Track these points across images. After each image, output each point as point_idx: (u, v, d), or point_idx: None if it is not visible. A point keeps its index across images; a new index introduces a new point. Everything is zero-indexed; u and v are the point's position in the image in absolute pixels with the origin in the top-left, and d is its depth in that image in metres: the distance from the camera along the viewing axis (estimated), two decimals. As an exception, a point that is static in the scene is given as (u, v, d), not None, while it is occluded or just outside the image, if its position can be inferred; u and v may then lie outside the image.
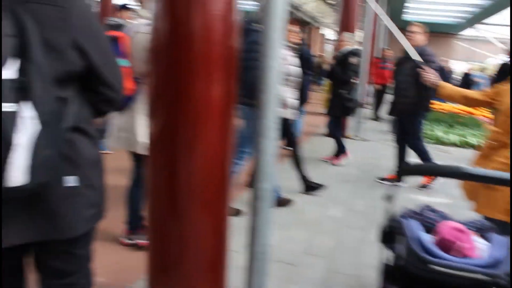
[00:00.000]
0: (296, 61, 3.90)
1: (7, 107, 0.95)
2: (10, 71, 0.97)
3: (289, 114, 3.76)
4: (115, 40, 2.45)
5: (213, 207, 1.77)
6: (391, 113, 4.78)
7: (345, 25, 6.84)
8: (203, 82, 1.61)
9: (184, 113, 1.62)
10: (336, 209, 3.84)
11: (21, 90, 0.97)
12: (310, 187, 4.16)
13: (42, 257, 1.29)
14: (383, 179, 4.78)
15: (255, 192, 1.78)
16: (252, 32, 3.25)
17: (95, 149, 1.27)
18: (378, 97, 9.71)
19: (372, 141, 7.09)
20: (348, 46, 5.15)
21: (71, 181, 1.17)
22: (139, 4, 2.69)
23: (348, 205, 3.99)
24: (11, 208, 1.10)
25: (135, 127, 2.48)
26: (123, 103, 2.43)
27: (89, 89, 1.24)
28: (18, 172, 0.98)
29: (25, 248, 1.24)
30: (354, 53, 5.06)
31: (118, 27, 4.93)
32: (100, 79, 1.23)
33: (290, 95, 3.74)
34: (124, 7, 5.28)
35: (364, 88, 7.54)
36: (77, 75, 1.18)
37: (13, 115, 0.96)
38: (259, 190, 1.77)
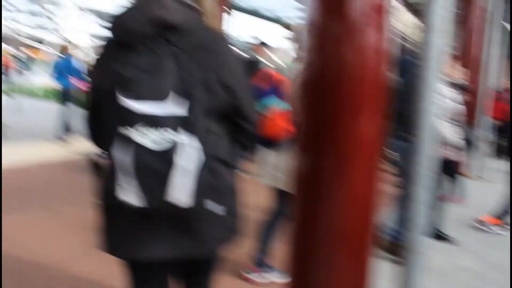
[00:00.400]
0: (459, 97, 3.72)
1: (177, 137, 1.13)
2: (179, 108, 1.15)
3: (452, 154, 3.58)
4: (277, 83, 2.49)
5: (356, 250, 1.70)
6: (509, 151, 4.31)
7: (465, 57, 6.39)
8: (353, 119, 1.57)
9: (331, 151, 1.59)
10: (467, 259, 3.48)
11: (187, 124, 1.14)
12: (438, 236, 3.85)
13: (180, 263, 1.44)
14: (517, 227, 4.26)
15: (405, 242, 1.66)
16: (410, 64, 3.17)
17: (234, 178, 1.39)
18: (500, 133, 8.89)
19: (496, 183, 6.43)
20: (456, 79, 4.80)
21: (213, 206, 1.28)
22: (296, 44, 2.72)
23: (480, 255, 3.60)
24: (163, 225, 1.26)
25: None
26: (282, 144, 2.46)
27: (230, 122, 1.37)
28: (183, 194, 1.15)
29: (170, 262, 1.37)
30: (462, 87, 4.69)
31: (257, 63, 5.17)
32: (241, 113, 1.37)
33: (453, 134, 3.57)
34: (263, 44, 5.55)
35: (484, 124, 6.96)
36: (223, 110, 1.32)
37: (180, 144, 1.13)
38: (410, 241, 1.65)
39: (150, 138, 1.12)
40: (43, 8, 12.15)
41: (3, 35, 23.69)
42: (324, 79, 1.58)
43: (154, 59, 1.18)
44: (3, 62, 15.84)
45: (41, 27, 22.06)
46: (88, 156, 5.45)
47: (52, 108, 11.32)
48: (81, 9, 16.01)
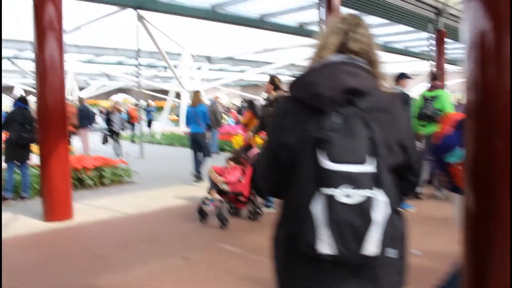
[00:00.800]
0: None
1: (369, 193, 1.22)
2: (370, 166, 1.24)
3: None
4: (458, 122, 2.24)
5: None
6: None
7: None
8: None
9: (504, 187, 1.50)
10: None
11: (376, 180, 1.24)
12: None
13: None
14: None
15: None
16: None
17: (404, 226, 1.47)
18: None
19: None
20: None
21: (391, 252, 1.35)
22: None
23: None
24: (347, 271, 1.33)
25: None
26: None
27: (399, 176, 1.44)
28: (372, 244, 1.23)
29: None
30: None
31: (405, 95, 4.85)
32: (411, 169, 1.47)
33: None
34: (403, 76, 5.24)
35: None
36: (397, 166, 1.40)
37: (372, 199, 1.22)
38: None
39: (348, 195, 1.20)
40: (165, 60, 13.04)
41: (128, 88, 26.26)
42: (498, 107, 1.49)
43: (344, 122, 1.28)
44: (130, 113, 17.30)
45: (162, 78, 24.03)
46: (198, 203, 5.34)
47: (177, 154, 11.90)
48: (194, 56, 16.98)
